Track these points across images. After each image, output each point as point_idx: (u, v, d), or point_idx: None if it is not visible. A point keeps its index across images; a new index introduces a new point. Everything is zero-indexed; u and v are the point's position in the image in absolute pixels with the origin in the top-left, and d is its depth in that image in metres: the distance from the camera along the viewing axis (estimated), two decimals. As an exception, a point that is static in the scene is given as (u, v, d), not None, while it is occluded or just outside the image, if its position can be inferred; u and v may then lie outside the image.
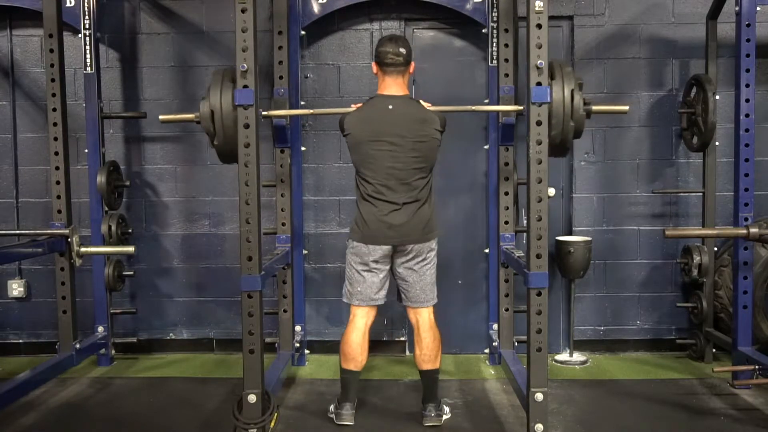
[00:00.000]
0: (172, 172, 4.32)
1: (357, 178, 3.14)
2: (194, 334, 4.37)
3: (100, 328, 4.04)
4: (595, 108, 3.01)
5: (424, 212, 3.09)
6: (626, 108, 3.20)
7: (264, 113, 3.30)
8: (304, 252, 4.19)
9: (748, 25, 3.44)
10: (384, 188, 3.05)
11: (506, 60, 3.78)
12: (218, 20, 4.22)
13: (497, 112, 3.82)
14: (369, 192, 3.07)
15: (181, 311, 4.36)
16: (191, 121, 3.05)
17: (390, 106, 3.06)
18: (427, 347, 3.15)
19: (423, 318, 3.18)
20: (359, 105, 3.18)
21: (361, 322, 3.16)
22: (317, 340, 4.27)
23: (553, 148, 2.90)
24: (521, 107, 3.34)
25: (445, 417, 3.19)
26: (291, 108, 3.87)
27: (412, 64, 3.15)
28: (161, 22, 4.27)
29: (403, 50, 3.06)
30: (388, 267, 3.15)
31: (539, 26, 2.71)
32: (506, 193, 3.86)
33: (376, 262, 3.10)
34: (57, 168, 3.73)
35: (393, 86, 3.10)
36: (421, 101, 3.16)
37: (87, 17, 3.92)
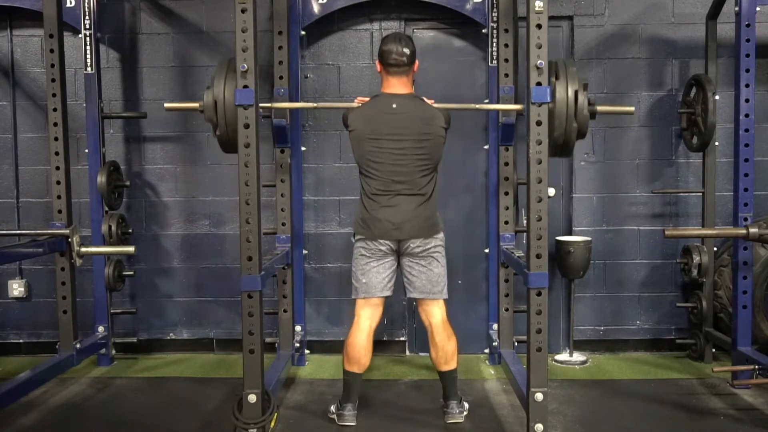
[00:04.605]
0: (172, 172, 4.32)
1: (360, 176, 3.15)
2: (194, 334, 4.37)
3: (101, 328, 4.04)
4: (600, 108, 2.98)
5: (426, 208, 3.09)
6: (632, 109, 3.20)
7: (265, 105, 3.34)
8: (304, 252, 4.19)
9: (747, 25, 3.45)
10: (387, 185, 3.05)
11: (506, 60, 3.78)
12: (218, 20, 4.22)
13: (497, 111, 3.83)
14: (372, 189, 3.08)
15: (181, 311, 4.36)
16: (195, 110, 3.07)
17: (393, 105, 3.06)
18: (443, 349, 3.14)
19: (435, 319, 3.16)
20: (364, 99, 3.18)
21: (365, 323, 3.15)
22: (317, 340, 4.27)
23: (556, 148, 2.89)
24: (521, 106, 3.33)
25: (465, 413, 3.20)
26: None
27: (416, 62, 3.13)
28: (161, 22, 4.27)
29: (406, 50, 3.05)
30: (393, 261, 3.14)
31: (539, 26, 2.71)
32: (506, 193, 3.86)
33: (380, 255, 3.10)
34: (57, 168, 3.73)
35: (397, 85, 3.10)
36: (425, 98, 3.16)
37: (87, 17, 3.92)
